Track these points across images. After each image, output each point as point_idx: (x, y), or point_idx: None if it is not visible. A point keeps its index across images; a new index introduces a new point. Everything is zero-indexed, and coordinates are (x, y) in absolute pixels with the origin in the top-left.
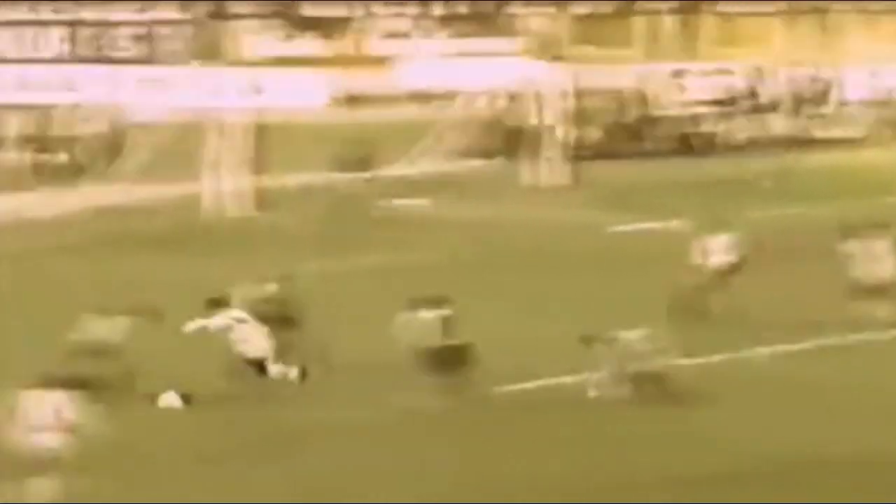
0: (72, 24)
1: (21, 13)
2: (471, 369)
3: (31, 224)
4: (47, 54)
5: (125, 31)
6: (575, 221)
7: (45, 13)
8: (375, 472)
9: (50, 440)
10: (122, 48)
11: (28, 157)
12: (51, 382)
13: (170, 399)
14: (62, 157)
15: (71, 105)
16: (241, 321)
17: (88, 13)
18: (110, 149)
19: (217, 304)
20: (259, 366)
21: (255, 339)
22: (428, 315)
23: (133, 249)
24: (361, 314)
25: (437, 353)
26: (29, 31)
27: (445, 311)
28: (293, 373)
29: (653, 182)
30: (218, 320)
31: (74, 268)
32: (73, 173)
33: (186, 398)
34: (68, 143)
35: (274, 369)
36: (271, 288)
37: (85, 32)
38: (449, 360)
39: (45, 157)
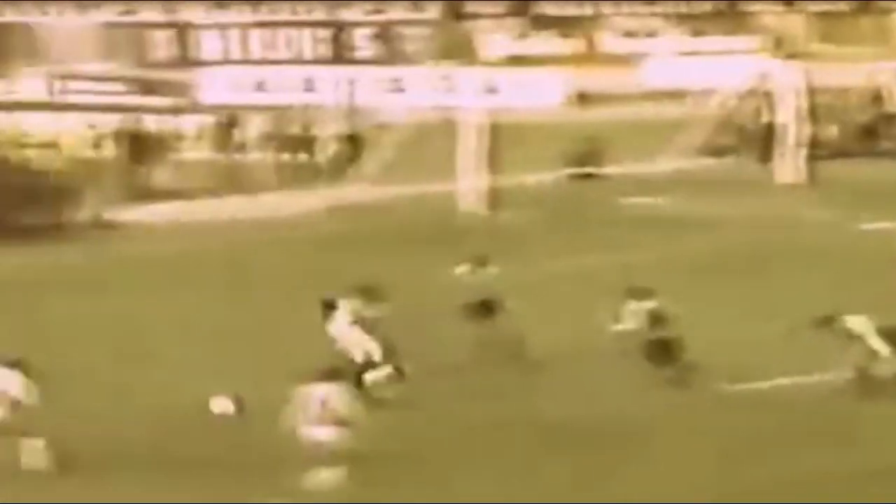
0: (310, 24)
1: (261, 15)
2: (679, 363)
3: (273, 223)
4: (286, 55)
5: (363, 32)
6: (811, 219)
7: (284, 14)
8: (610, 468)
9: (324, 433)
10: (359, 48)
11: (270, 157)
12: (321, 376)
13: (222, 404)
14: (302, 158)
15: (310, 106)
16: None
17: (325, 14)
18: (350, 149)
19: (331, 305)
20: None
21: (360, 344)
22: (633, 306)
23: (368, 248)
24: (590, 311)
25: (645, 345)
26: (268, 33)
27: (651, 304)
28: (386, 371)
29: (889, 181)
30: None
31: (317, 265)
32: (314, 173)
33: (240, 403)
34: (308, 143)
35: (370, 375)
36: (482, 277)
37: (322, 33)
38: (657, 352)
39: (286, 157)
